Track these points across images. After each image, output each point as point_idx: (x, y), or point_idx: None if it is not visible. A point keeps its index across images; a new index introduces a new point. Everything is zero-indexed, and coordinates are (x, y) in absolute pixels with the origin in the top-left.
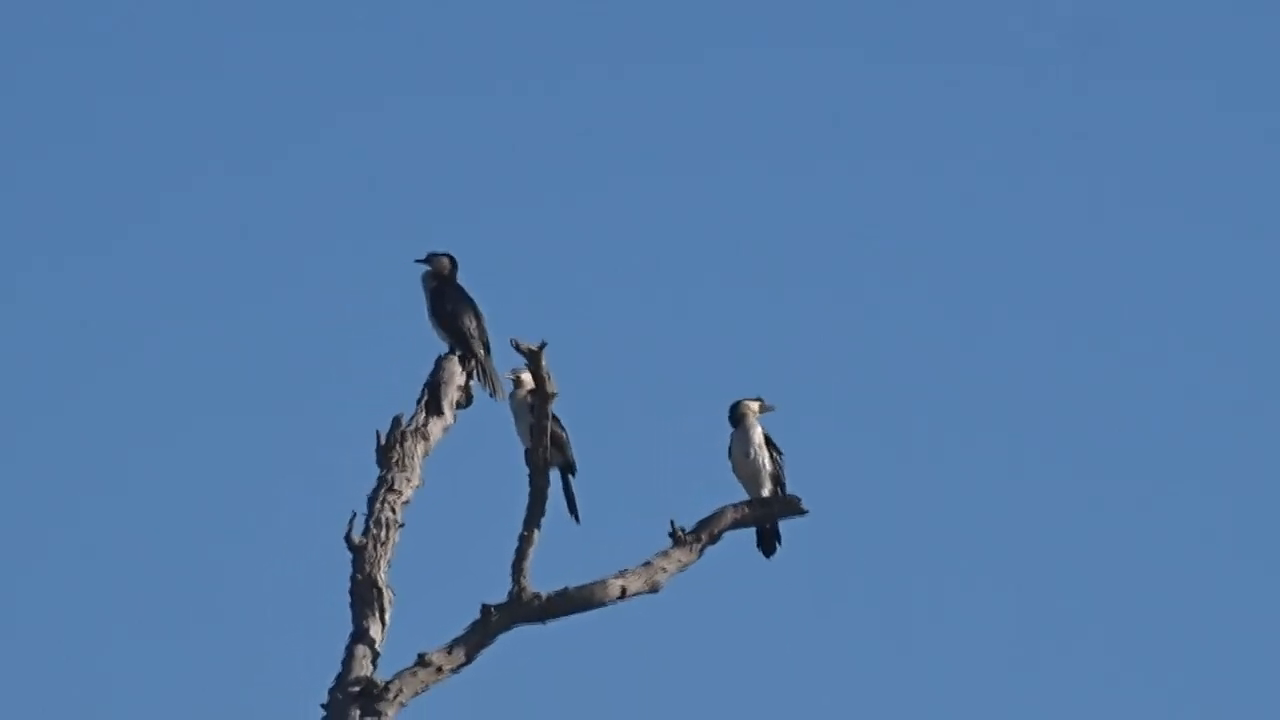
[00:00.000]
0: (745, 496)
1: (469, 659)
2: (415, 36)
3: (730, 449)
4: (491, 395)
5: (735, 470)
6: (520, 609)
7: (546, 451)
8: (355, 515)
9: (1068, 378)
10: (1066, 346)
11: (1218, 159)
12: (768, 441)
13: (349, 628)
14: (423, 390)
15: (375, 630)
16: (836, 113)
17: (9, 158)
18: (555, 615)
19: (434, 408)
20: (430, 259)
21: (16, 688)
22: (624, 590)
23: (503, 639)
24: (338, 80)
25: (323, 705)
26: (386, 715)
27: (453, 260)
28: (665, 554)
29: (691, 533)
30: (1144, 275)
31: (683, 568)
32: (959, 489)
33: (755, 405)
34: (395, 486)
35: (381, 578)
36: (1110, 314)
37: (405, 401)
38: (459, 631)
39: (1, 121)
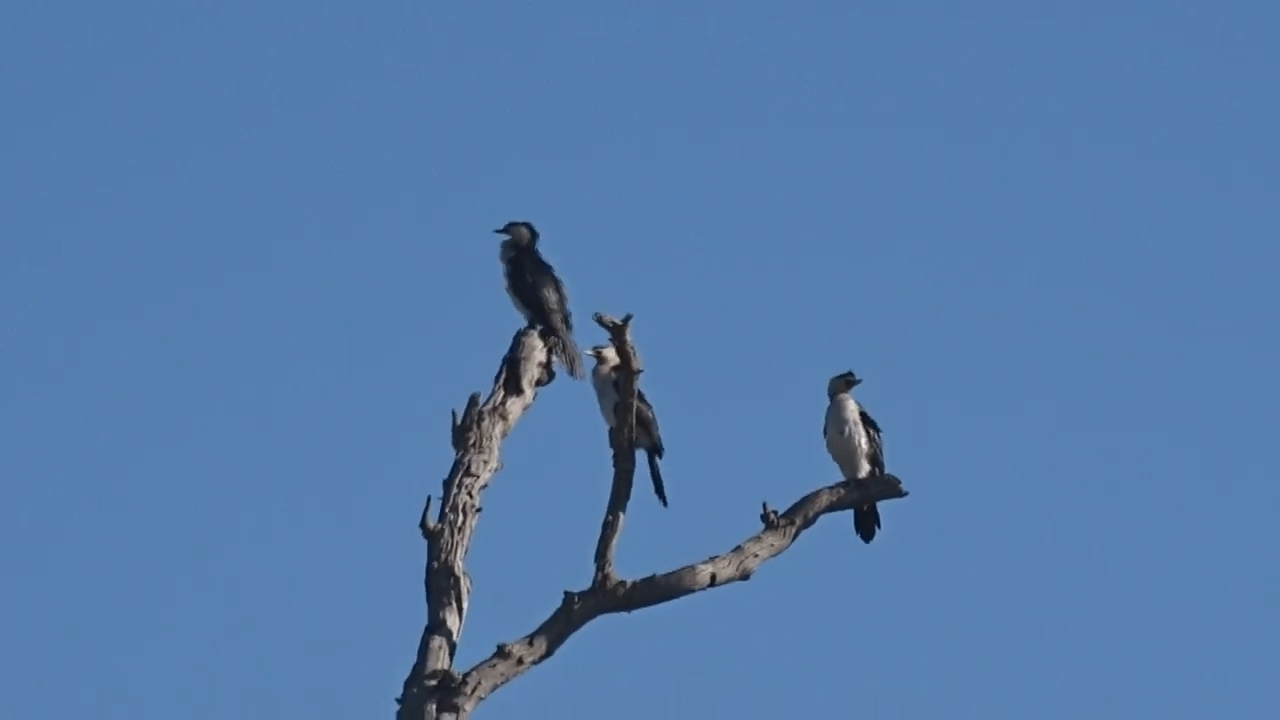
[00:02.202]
0: (841, 477)
1: (550, 650)
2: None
3: (825, 427)
4: (570, 373)
5: (830, 449)
6: (605, 597)
7: (632, 431)
8: (430, 500)
9: (1178, 356)
10: (1177, 322)
11: None
12: (864, 419)
13: (424, 618)
14: (501, 367)
15: (452, 621)
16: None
17: (36, 127)
18: (641, 604)
19: (513, 386)
20: (509, 228)
21: (78, 680)
22: (714, 577)
23: (586, 629)
24: (410, 41)
25: (398, 699)
26: (464, 710)
27: (532, 230)
28: (757, 539)
29: (785, 516)
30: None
31: (775, 553)
32: (1068, 468)
33: (844, 380)
34: (472, 469)
35: (458, 565)
36: (1210, 290)
37: (483, 379)
38: (540, 621)
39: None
